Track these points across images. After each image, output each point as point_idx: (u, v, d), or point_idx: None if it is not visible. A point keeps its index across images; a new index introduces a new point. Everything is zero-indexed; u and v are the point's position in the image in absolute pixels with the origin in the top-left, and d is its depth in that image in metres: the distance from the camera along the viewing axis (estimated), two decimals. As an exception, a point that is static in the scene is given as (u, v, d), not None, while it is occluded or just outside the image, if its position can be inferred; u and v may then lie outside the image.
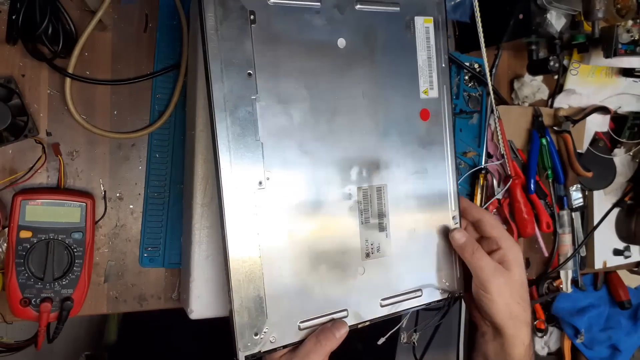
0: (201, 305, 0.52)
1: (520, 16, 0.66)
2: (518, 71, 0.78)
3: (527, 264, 0.80)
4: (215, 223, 0.52)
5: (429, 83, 0.56)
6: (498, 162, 0.74)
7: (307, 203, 0.50)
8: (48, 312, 0.51)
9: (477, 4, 0.61)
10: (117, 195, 0.58)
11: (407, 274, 0.56)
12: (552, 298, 1.04)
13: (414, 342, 0.61)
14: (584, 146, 0.80)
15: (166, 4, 0.58)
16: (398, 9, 0.54)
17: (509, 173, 0.74)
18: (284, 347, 0.48)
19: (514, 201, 0.75)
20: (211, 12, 0.44)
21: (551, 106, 0.80)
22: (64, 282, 0.52)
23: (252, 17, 0.46)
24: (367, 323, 0.53)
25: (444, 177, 0.58)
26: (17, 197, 0.50)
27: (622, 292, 1.07)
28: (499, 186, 0.75)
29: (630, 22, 0.67)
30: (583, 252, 0.83)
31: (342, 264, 0.52)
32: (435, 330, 1.05)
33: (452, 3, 0.68)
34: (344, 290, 0.52)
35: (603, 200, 0.84)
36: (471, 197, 0.72)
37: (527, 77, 0.78)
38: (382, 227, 0.54)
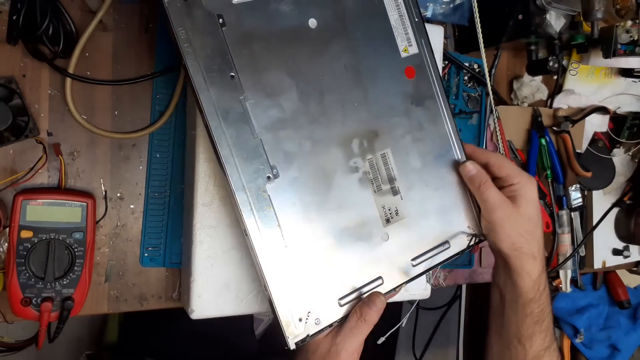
0: (202, 305, 0.52)
1: (520, 16, 0.66)
2: (517, 71, 0.78)
3: (527, 263, 0.80)
4: (216, 222, 0.52)
5: (407, 40, 0.56)
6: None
7: (319, 185, 0.51)
8: (49, 312, 0.51)
9: (476, 7, 0.61)
10: (118, 195, 0.58)
11: (431, 230, 0.57)
12: (551, 298, 1.04)
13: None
14: (583, 146, 0.81)
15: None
16: None
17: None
18: (330, 325, 0.50)
19: (514, 201, 0.75)
20: (180, 25, 0.45)
21: (550, 106, 0.80)
22: (64, 282, 0.52)
23: (220, 20, 0.47)
24: (404, 285, 0.55)
25: (443, 128, 0.58)
26: (18, 197, 0.50)
27: (621, 291, 1.07)
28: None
29: (629, 23, 0.67)
30: (582, 251, 0.84)
31: (365, 235, 0.53)
32: (435, 330, 1.05)
33: (451, 6, 0.68)
34: (374, 259, 0.53)
35: (602, 200, 0.84)
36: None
37: (527, 78, 0.78)
38: (395, 191, 0.55)
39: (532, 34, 0.67)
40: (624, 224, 0.86)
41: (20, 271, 0.50)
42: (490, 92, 0.71)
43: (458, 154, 0.59)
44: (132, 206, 0.59)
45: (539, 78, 0.78)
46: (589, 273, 1.06)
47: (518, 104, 0.78)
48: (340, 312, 0.51)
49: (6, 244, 0.52)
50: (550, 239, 0.80)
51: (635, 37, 0.68)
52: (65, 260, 0.52)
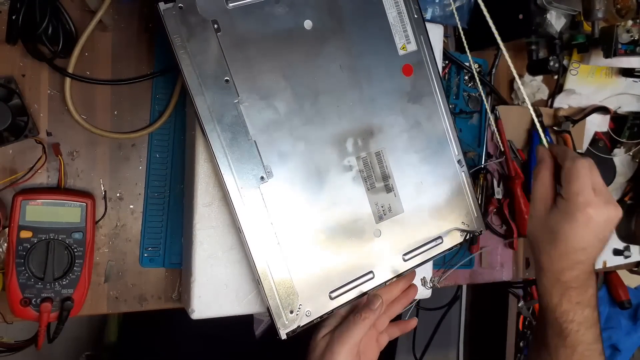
0: (202, 305, 0.52)
1: (520, 16, 0.66)
2: (518, 71, 0.78)
3: (527, 263, 0.80)
4: (216, 223, 0.52)
5: (405, 38, 0.56)
6: (498, 161, 0.74)
7: (312, 185, 0.52)
8: (48, 312, 0.51)
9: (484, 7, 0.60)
10: (118, 195, 0.58)
11: (424, 226, 0.58)
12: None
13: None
14: (583, 146, 0.80)
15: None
16: None
17: (509, 173, 0.75)
18: (320, 317, 0.52)
19: (514, 201, 0.75)
20: (176, 33, 0.46)
21: (551, 106, 0.80)
22: (64, 282, 0.52)
23: (215, 26, 0.47)
24: (395, 279, 0.56)
25: (440, 126, 0.59)
26: (18, 197, 0.50)
27: (622, 292, 1.07)
28: (499, 186, 0.75)
29: (630, 22, 0.67)
30: (583, 252, 0.83)
31: (357, 231, 0.54)
32: (435, 330, 1.05)
33: (450, 8, 0.68)
34: (366, 254, 0.55)
35: (603, 200, 0.84)
36: (477, 198, 0.72)
37: (527, 77, 0.78)
38: (388, 189, 0.56)
39: (532, 34, 0.66)
40: (624, 224, 0.85)
41: (19, 271, 0.50)
42: (482, 94, 0.71)
43: (455, 151, 0.59)
44: (131, 206, 0.59)
45: (539, 78, 0.78)
46: (589, 273, 1.05)
47: (519, 104, 0.78)
48: (331, 305, 0.53)
49: (5, 244, 0.52)
50: (551, 239, 0.80)
51: (636, 37, 0.68)
52: (64, 260, 0.52)
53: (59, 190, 0.54)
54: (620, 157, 0.84)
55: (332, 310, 0.53)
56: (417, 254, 0.57)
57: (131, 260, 0.59)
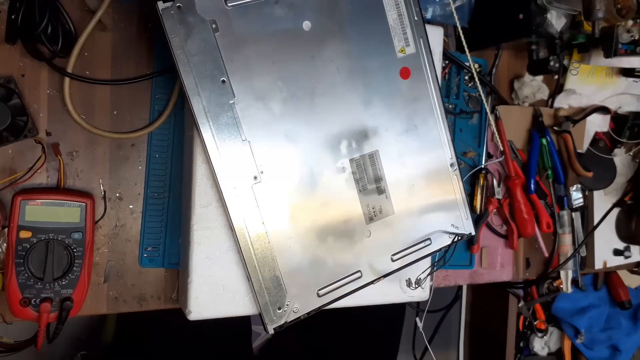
0: (199, 306, 0.52)
1: (520, 16, 0.66)
2: (518, 71, 0.78)
3: (527, 264, 0.80)
4: (214, 224, 0.52)
5: (404, 41, 0.56)
6: (498, 160, 0.74)
7: (304, 185, 0.53)
8: (48, 312, 0.51)
9: None
10: (117, 195, 0.58)
11: (414, 228, 0.59)
12: (552, 298, 1.03)
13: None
14: (584, 146, 0.80)
15: None
16: None
17: (509, 173, 0.74)
18: (307, 314, 0.54)
19: (514, 201, 0.75)
20: (174, 32, 0.46)
21: (551, 106, 0.80)
22: (63, 282, 0.52)
23: (214, 26, 0.47)
24: (382, 279, 0.57)
25: (435, 129, 0.59)
26: (17, 197, 0.50)
27: (622, 292, 1.07)
28: (499, 186, 0.75)
29: (630, 22, 0.67)
30: (583, 252, 0.83)
31: (347, 231, 0.55)
32: (435, 330, 1.05)
33: (449, 8, 0.67)
34: (354, 254, 0.55)
35: (603, 201, 0.84)
36: (471, 197, 0.72)
37: (527, 77, 0.78)
38: (380, 190, 0.56)
39: (533, 34, 0.66)
40: (624, 224, 0.85)
41: (19, 271, 0.50)
42: (482, 93, 0.71)
43: (448, 155, 0.59)
44: (131, 206, 0.58)
45: (539, 78, 0.78)
46: (590, 273, 1.05)
47: (519, 104, 0.78)
48: (318, 303, 0.54)
49: (5, 244, 0.52)
50: (551, 239, 0.80)
51: (636, 37, 0.68)
52: (64, 260, 0.52)
53: (58, 190, 0.54)
54: (620, 157, 0.83)
55: (320, 307, 0.54)
56: (405, 254, 0.58)
57: (131, 260, 0.59)
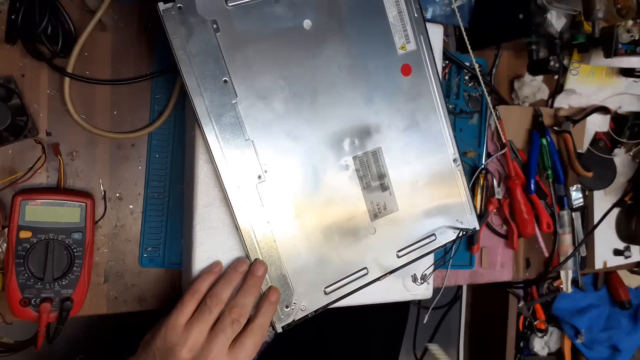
0: None
1: (520, 16, 0.66)
2: (518, 71, 0.78)
3: (527, 264, 0.80)
4: (216, 224, 0.52)
5: (405, 37, 0.56)
6: (500, 153, 0.74)
7: (308, 183, 0.53)
8: (48, 313, 0.51)
9: None
10: (117, 195, 0.58)
11: (418, 223, 0.59)
12: (552, 298, 1.04)
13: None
14: (584, 146, 0.80)
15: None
16: None
17: (509, 173, 0.74)
18: (315, 311, 0.54)
19: (514, 201, 0.75)
20: (175, 33, 0.46)
21: (551, 106, 0.80)
22: (63, 282, 0.52)
23: (214, 26, 0.47)
24: (388, 275, 0.57)
25: (438, 125, 0.59)
26: (17, 197, 0.50)
27: (623, 292, 1.07)
28: (499, 186, 0.75)
29: (630, 22, 0.67)
30: (583, 252, 0.83)
31: (352, 229, 0.55)
32: (436, 330, 1.05)
33: (451, 7, 0.68)
34: (360, 251, 0.56)
35: (603, 201, 0.84)
36: (472, 196, 0.72)
37: (527, 77, 0.78)
38: (384, 187, 0.56)
39: (533, 34, 0.66)
40: (625, 224, 0.85)
41: (19, 271, 0.50)
42: (485, 92, 0.71)
43: (451, 150, 0.60)
44: (131, 206, 0.58)
45: (539, 78, 0.78)
46: (590, 273, 1.05)
47: (519, 104, 0.78)
48: (325, 300, 0.54)
49: (5, 245, 0.52)
50: (551, 239, 0.80)
51: (636, 37, 0.68)
52: (64, 260, 0.52)
53: (58, 190, 0.54)
54: (620, 157, 0.83)
55: (327, 305, 0.54)
56: (410, 250, 0.59)
57: (131, 260, 0.59)
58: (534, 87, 0.77)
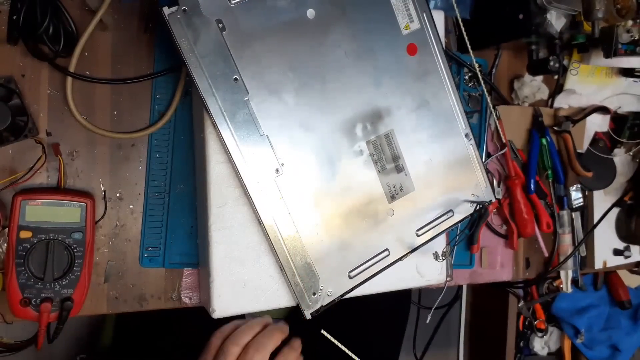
0: (222, 304, 0.53)
1: (520, 16, 0.66)
2: (518, 71, 0.78)
3: (527, 264, 0.80)
4: (231, 223, 0.53)
5: (408, 17, 0.56)
6: (501, 153, 0.74)
7: (324, 172, 0.54)
8: (48, 312, 0.51)
9: None
10: (117, 195, 0.58)
11: (435, 201, 0.60)
12: (552, 298, 1.04)
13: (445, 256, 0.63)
14: (584, 146, 0.80)
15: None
16: None
17: (509, 173, 0.74)
18: (341, 296, 0.56)
19: (514, 201, 0.75)
20: (183, 36, 0.46)
21: (551, 106, 0.80)
22: (64, 282, 0.52)
23: (220, 25, 0.48)
24: (410, 254, 0.59)
25: (447, 101, 0.60)
26: (17, 197, 0.50)
27: (622, 292, 1.07)
28: (499, 186, 0.75)
29: (630, 22, 0.67)
30: (583, 252, 0.83)
31: (371, 212, 0.56)
32: (435, 330, 1.05)
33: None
34: (380, 233, 0.57)
35: (603, 200, 0.84)
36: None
37: (527, 77, 0.78)
38: (399, 169, 0.57)
39: (532, 34, 0.66)
40: (624, 224, 0.85)
41: (19, 271, 0.50)
42: (485, 91, 0.71)
43: (462, 125, 0.60)
44: (131, 206, 0.58)
45: (539, 78, 0.78)
46: (589, 273, 1.06)
47: (519, 104, 0.78)
48: (350, 284, 0.56)
49: (5, 245, 0.52)
50: (551, 239, 0.80)
51: (636, 37, 0.68)
52: (64, 260, 0.52)
53: (58, 190, 0.54)
54: (620, 157, 0.84)
55: (352, 289, 0.56)
56: (429, 228, 0.60)
57: (131, 260, 0.59)
58: (533, 87, 0.77)
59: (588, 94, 0.80)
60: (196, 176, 0.59)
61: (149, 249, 0.59)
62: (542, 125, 0.77)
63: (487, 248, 0.76)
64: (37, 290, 0.51)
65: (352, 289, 0.56)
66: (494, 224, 0.77)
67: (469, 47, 0.64)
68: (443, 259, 0.62)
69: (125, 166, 0.58)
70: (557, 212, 0.79)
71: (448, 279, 0.65)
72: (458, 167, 0.61)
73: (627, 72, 0.80)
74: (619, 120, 0.84)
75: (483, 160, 0.63)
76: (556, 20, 0.67)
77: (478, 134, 0.74)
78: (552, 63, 0.72)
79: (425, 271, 0.62)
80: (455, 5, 0.63)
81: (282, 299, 0.55)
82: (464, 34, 0.63)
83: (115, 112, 0.58)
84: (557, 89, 0.79)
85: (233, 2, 0.48)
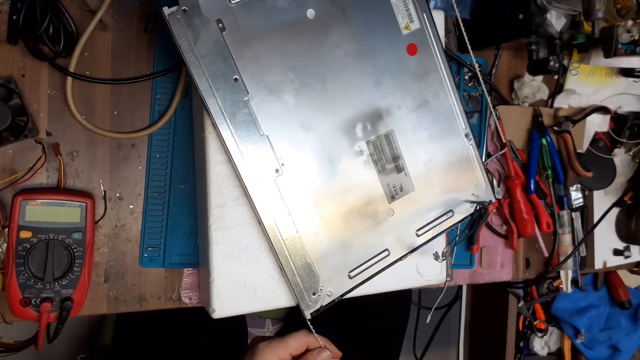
0: (222, 304, 0.53)
1: (520, 16, 0.66)
2: (518, 71, 0.78)
3: (527, 264, 0.80)
4: (230, 223, 0.53)
5: (408, 17, 0.56)
6: (500, 153, 0.74)
7: (324, 172, 0.54)
8: (48, 312, 0.51)
9: None
10: (117, 195, 0.58)
11: (435, 201, 0.60)
12: (552, 298, 1.04)
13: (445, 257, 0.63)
14: (584, 146, 0.80)
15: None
16: None
17: (509, 173, 0.74)
18: (341, 296, 0.55)
19: (514, 201, 0.75)
20: (183, 36, 0.46)
21: (551, 106, 0.80)
22: (64, 282, 0.52)
23: (220, 25, 0.48)
24: (410, 254, 0.58)
25: (447, 101, 0.60)
26: (17, 197, 0.50)
27: (622, 292, 1.07)
28: (498, 186, 0.75)
29: (630, 22, 0.67)
30: (583, 252, 0.84)
31: (371, 213, 0.56)
32: (435, 330, 1.05)
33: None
34: (380, 233, 0.57)
35: (603, 200, 0.84)
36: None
37: (527, 77, 0.78)
38: (399, 169, 0.57)
39: (532, 34, 0.66)
40: (624, 224, 0.85)
41: (19, 271, 0.50)
42: (485, 91, 0.71)
43: (462, 125, 0.60)
44: (131, 206, 0.58)
45: (539, 78, 0.78)
46: (589, 273, 1.05)
47: (519, 104, 0.78)
48: (350, 284, 0.55)
49: (5, 245, 0.52)
50: (551, 239, 0.80)
51: (636, 37, 0.68)
52: (64, 260, 0.52)
53: (58, 190, 0.54)
54: (620, 157, 0.84)
55: (352, 289, 0.56)
56: (429, 228, 0.60)
57: (131, 260, 0.59)
58: (533, 87, 0.77)
59: (588, 94, 0.80)
60: (196, 176, 0.59)
61: (149, 249, 0.59)
62: (542, 125, 0.77)
63: (487, 248, 0.76)
64: (37, 290, 0.51)
65: (352, 289, 0.56)
66: (494, 224, 0.77)
67: (469, 47, 0.64)
68: (443, 259, 0.62)
69: (125, 166, 0.58)
70: (557, 212, 0.79)
71: (448, 279, 0.65)
72: (458, 167, 0.61)
73: (627, 72, 0.80)
74: (619, 120, 0.84)
75: (483, 160, 0.62)
76: (556, 20, 0.67)
77: (478, 134, 0.74)
78: (552, 63, 0.72)
79: (425, 271, 0.62)
80: (455, 5, 0.63)
81: (282, 299, 0.55)
82: (464, 34, 0.63)
83: (115, 112, 0.58)
84: (557, 89, 0.79)
85: (233, 2, 0.48)
